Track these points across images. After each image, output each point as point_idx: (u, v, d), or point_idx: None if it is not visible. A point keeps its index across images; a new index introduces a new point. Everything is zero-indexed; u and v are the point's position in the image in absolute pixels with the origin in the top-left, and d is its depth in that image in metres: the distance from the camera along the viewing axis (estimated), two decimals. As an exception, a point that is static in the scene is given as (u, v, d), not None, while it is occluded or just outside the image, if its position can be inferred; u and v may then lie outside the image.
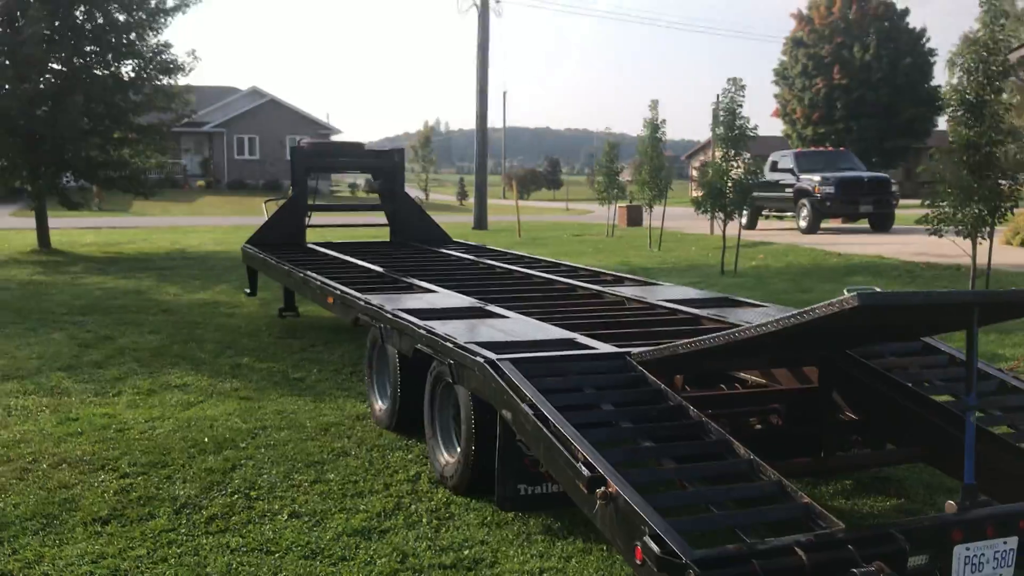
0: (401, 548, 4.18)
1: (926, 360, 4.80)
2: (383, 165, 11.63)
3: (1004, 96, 9.63)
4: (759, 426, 4.99)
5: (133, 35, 17.95)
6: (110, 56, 18.00)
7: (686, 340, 4.12)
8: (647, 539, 2.98)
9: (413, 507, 4.69)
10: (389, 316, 5.63)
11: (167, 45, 18.32)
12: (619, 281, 7.87)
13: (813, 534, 3.09)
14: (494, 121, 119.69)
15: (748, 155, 14.55)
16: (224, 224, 28.65)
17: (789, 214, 23.75)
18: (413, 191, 56.16)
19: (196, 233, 25.00)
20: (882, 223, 22.37)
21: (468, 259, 9.51)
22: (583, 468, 3.36)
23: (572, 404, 3.91)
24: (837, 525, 3.16)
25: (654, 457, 3.62)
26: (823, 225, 23.68)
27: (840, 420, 4.82)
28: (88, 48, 17.81)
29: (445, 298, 6.53)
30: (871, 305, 3.08)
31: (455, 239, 12.17)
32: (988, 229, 9.95)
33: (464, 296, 6.62)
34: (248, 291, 10.84)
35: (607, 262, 17.15)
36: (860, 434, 4.85)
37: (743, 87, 13.93)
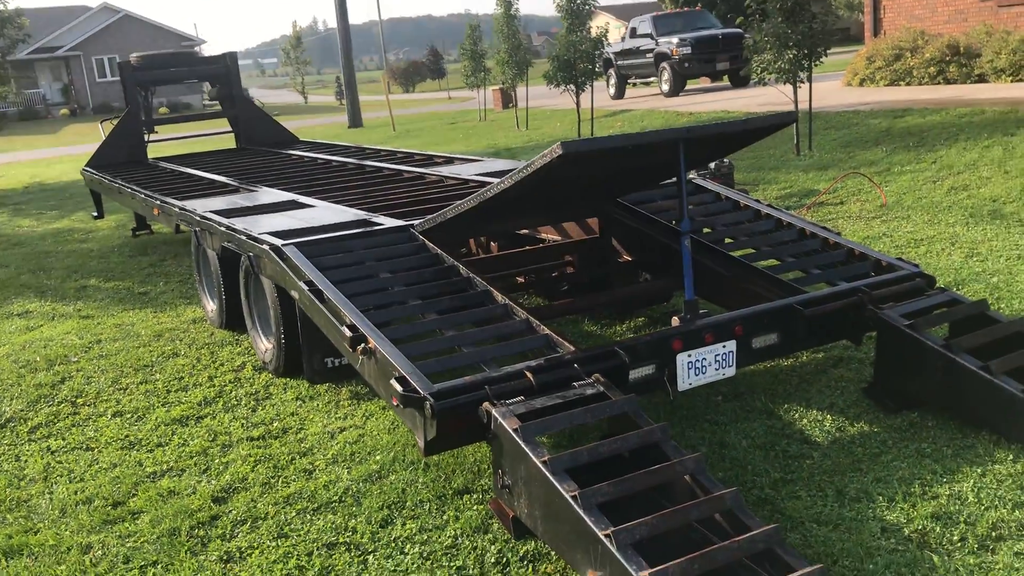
0: (215, 429, 4.50)
1: (691, 199, 5.22)
2: (217, 72, 11.45)
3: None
4: (555, 274, 5.46)
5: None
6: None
7: (452, 206, 4.44)
8: (393, 381, 3.34)
9: (234, 393, 4.99)
10: (198, 218, 5.80)
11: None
12: (449, 162, 8.12)
13: (544, 358, 3.49)
14: (371, 14, 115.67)
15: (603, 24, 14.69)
16: (89, 152, 27.54)
17: (654, 79, 24.06)
18: (292, 95, 54.54)
19: (59, 164, 24.02)
20: (739, 78, 22.84)
21: (308, 157, 9.59)
22: (347, 330, 3.68)
23: (350, 277, 4.21)
24: (569, 350, 3.58)
25: (419, 313, 3.97)
26: (690, 86, 24.06)
27: (619, 263, 5.27)
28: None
29: (263, 195, 6.69)
30: (574, 152, 3.41)
31: (328, 140, 12.14)
32: (806, 73, 10.44)
33: (284, 192, 6.79)
34: (95, 214, 10.72)
35: (475, 146, 17.30)
36: (636, 273, 5.31)
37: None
